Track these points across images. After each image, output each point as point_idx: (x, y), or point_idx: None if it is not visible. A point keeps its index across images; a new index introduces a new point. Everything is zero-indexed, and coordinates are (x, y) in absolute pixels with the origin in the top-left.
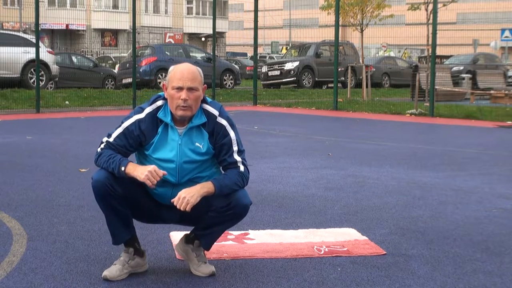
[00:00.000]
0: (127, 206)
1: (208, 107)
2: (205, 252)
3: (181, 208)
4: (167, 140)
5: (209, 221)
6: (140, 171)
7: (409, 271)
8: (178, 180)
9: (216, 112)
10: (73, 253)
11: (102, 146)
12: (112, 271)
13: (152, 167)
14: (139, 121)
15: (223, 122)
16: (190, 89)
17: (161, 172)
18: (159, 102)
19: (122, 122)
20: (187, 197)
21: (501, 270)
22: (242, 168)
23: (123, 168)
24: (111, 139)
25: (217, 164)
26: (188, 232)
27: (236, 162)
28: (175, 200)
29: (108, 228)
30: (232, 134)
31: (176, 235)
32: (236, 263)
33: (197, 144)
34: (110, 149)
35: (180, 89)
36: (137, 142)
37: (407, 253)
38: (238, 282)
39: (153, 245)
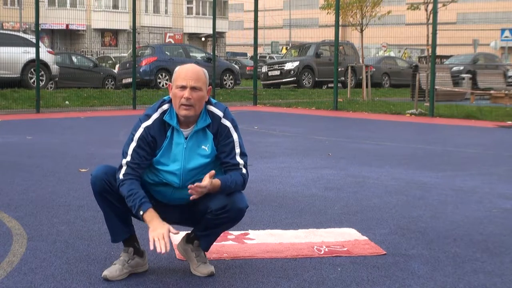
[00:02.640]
0: (126, 204)
1: (212, 108)
2: (206, 252)
3: (194, 193)
4: (172, 144)
5: (207, 223)
6: (153, 229)
7: (409, 271)
8: (182, 183)
9: (220, 114)
10: (73, 253)
11: (122, 171)
12: (112, 270)
13: (161, 233)
14: (148, 128)
15: (227, 123)
16: (193, 88)
17: (166, 239)
18: (165, 106)
19: (133, 135)
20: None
21: (501, 270)
22: (244, 170)
23: (141, 213)
24: (128, 158)
25: (220, 166)
26: (189, 231)
27: (238, 164)
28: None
29: (106, 226)
30: (235, 136)
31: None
32: (236, 263)
33: (203, 147)
34: (131, 169)
35: (183, 87)
36: (152, 148)
37: (407, 253)
38: (238, 282)
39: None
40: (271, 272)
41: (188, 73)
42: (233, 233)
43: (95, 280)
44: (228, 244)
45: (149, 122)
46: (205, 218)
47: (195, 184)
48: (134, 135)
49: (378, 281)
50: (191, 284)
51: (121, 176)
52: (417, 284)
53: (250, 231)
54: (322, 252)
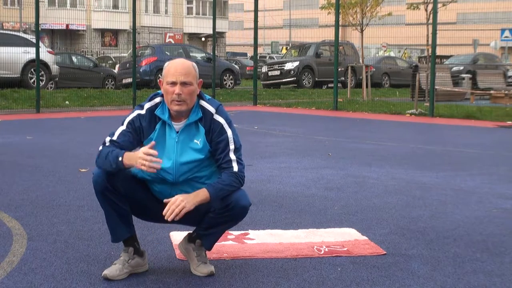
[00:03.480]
0: (127, 204)
1: (205, 104)
2: (206, 252)
3: (176, 211)
4: (164, 138)
5: (210, 221)
6: (134, 160)
7: (409, 271)
8: (175, 178)
9: (212, 110)
10: (73, 253)
11: (105, 144)
12: (112, 270)
13: (141, 152)
14: (140, 115)
15: (220, 120)
16: (183, 83)
17: (152, 151)
18: (157, 99)
19: (124, 119)
20: (184, 202)
21: (501, 270)
22: (236, 167)
23: (120, 159)
24: (114, 137)
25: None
26: (191, 231)
27: (230, 160)
28: (171, 201)
29: (107, 226)
30: (229, 132)
31: (176, 235)
32: (236, 263)
33: (195, 140)
34: (113, 145)
35: (173, 83)
36: (138, 135)
37: (407, 253)
38: (238, 282)
39: (153, 245)
40: (271, 272)
41: (177, 69)
42: (233, 233)
43: (95, 280)
44: (228, 244)
45: (142, 111)
46: (208, 216)
47: (182, 201)
48: (125, 120)
49: (378, 281)
50: (191, 284)
51: (100, 147)
52: (417, 284)
53: (250, 231)
54: (322, 252)
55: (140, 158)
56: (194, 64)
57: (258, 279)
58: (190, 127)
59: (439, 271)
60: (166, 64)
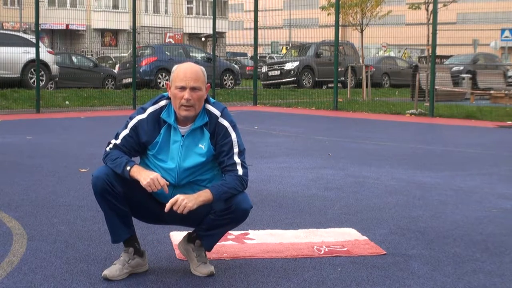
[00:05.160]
0: (127, 205)
1: (210, 107)
2: (209, 252)
3: (178, 211)
4: (169, 141)
5: (210, 223)
6: (143, 176)
7: (409, 271)
8: (177, 181)
9: (218, 113)
10: (73, 253)
11: (110, 146)
12: (112, 270)
13: (155, 175)
14: (141, 121)
15: (225, 123)
16: (193, 88)
17: (163, 181)
18: (163, 102)
19: (127, 122)
20: (185, 200)
21: (501, 270)
22: (240, 171)
23: (128, 168)
24: (118, 141)
25: (218, 166)
26: (191, 231)
27: (235, 164)
28: (171, 201)
29: (107, 227)
30: (233, 135)
31: (176, 235)
32: (236, 263)
33: (199, 145)
34: (118, 149)
35: (183, 88)
36: (141, 142)
37: (407, 253)
38: (238, 282)
39: (153, 245)
40: (271, 272)
41: (187, 74)
42: (233, 233)
43: (95, 280)
44: (228, 244)
45: (143, 115)
46: (209, 218)
47: (182, 200)
48: (128, 123)
49: (378, 281)
50: (191, 284)
51: (107, 149)
52: (417, 284)
53: (250, 231)
54: (322, 252)
55: (150, 180)
56: (203, 69)
57: (258, 279)
58: (195, 132)
59: (439, 271)
60: (175, 68)
